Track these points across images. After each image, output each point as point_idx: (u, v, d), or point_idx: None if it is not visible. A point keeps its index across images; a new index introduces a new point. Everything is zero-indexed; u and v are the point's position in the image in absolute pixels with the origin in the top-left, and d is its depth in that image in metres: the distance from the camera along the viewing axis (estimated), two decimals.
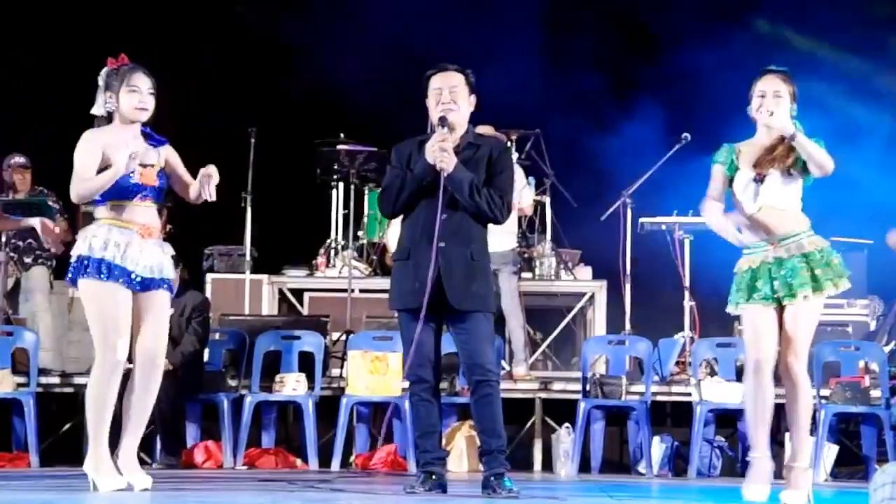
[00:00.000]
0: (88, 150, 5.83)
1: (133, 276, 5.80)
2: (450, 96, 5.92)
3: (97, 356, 5.80)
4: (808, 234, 5.92)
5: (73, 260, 5.87)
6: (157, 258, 5.88)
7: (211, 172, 5.84)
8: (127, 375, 5.90)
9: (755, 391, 5.91)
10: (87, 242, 5.82)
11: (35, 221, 6.24)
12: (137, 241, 5.82)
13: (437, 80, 5.96)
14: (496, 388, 5.91)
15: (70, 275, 5.89)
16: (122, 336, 5.78)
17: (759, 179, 5.86)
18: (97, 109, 5.92)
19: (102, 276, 5.76)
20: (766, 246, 5.89)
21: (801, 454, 5.92)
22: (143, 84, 5.87)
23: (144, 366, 5.88)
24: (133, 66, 5.90)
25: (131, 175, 5.81)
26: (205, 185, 5.84)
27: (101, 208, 5.86)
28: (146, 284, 5.84)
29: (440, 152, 5.80)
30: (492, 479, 5.86)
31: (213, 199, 5.86)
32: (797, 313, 5.86)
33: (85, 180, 5.80)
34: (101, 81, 5.92)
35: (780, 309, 5.89)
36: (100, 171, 5.80)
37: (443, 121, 5.88)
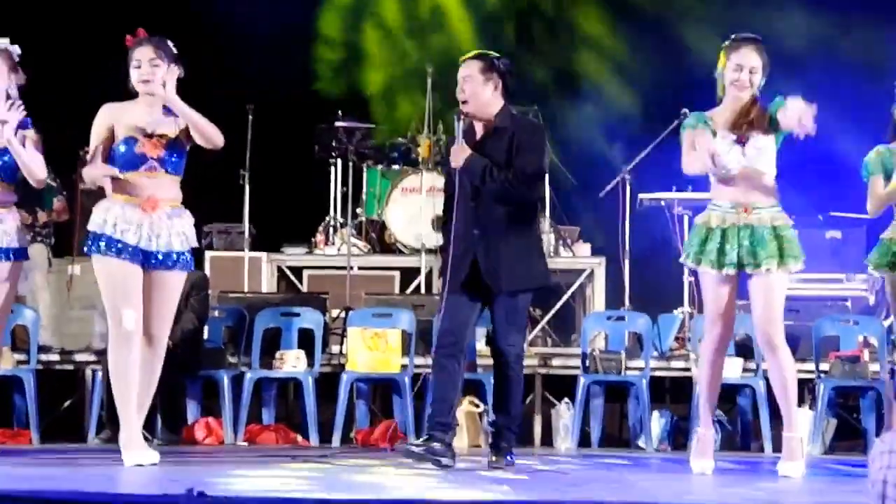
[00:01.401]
0: (95, 126, 5.95)
1: (133, 250, 5.82)
2: (463, 86, 6.11)
3: (110, 330, 5.91)
4: (779, 208, 5.96)
5: (89, 234, 5.97)
6: (164, 231, 5.87)
7: None
8: None
9: (714, 365, 5.94)
10: (99, 217, 5.90)
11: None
12: (139, 215, 5.84)
13: (460, 71, 6.17)
14: (512, 369, 6.05)
15: (89, 249, 5.98)
16: (129, 307, 5.83)
17: (742, 142, 5.87)
18: (130, 85, 6.04)
19: (110, 251, 5.83)
20: (738, 209, 5.89)
21: (793, 424, 5.95)
22: (144, 56, 5.92)
23: (146, 346, 5.92)
24: (139, 40, 5.95)
25: (135, 144, 5.84)
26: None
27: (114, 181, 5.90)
28: (153, 261, 5.86)
29: (452, 154, 6.08)
30: (492, 454, 6.01)
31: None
32: (770, 283, 5.87)
33: (87, 164, 5.93)
34: None
35: (741, 276, 5.90)
36: (107, 146, 5.89)
37: (458, 117, 6.11)
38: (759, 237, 5.86)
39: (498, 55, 6.20)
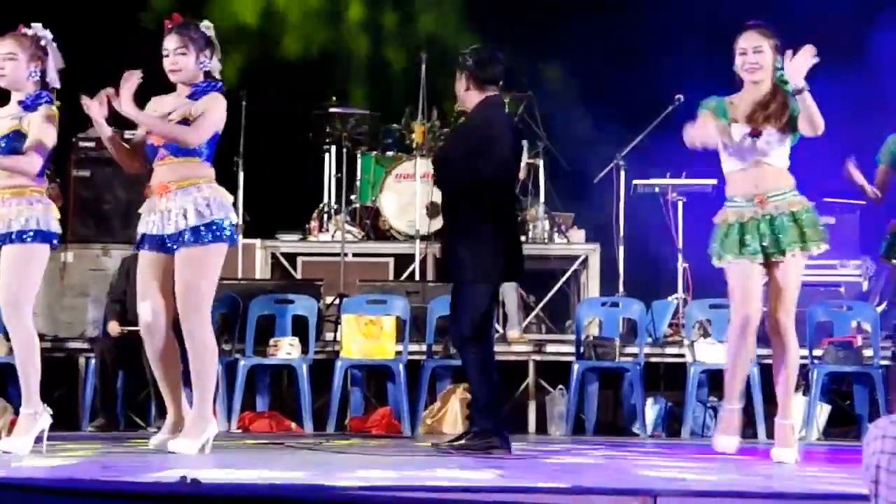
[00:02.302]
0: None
1: (146, 237, 5.89)
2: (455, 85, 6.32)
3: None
4: (794, 192, 5.95)
5: None
6: (174, 211, 5.86)
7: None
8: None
9: (740, 347, 5.95)
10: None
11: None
12: (154, 201, 5.91)
13: None
14: (470, 352, 6.16)
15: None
16: (143, 300, 5.89)
17: (756, 135, 5.87)
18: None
19: (137, 247, 6.00)
20: (754, 201, 5.90)
21: (790, 410, 5.98)
22: (170, 45, 5.95)
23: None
24: (170, 28, 5.97)
25: (150, 138, 5.92)
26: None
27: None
28: (168, 245, 5.86)
29: None
30: (464, 436, 6.18)
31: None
32: (787, 270, 5.89)
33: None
34: None
35: (766, 265, 5.91)
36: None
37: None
38: (780, 225, 5.87)
39: (466, 49, 6.28)
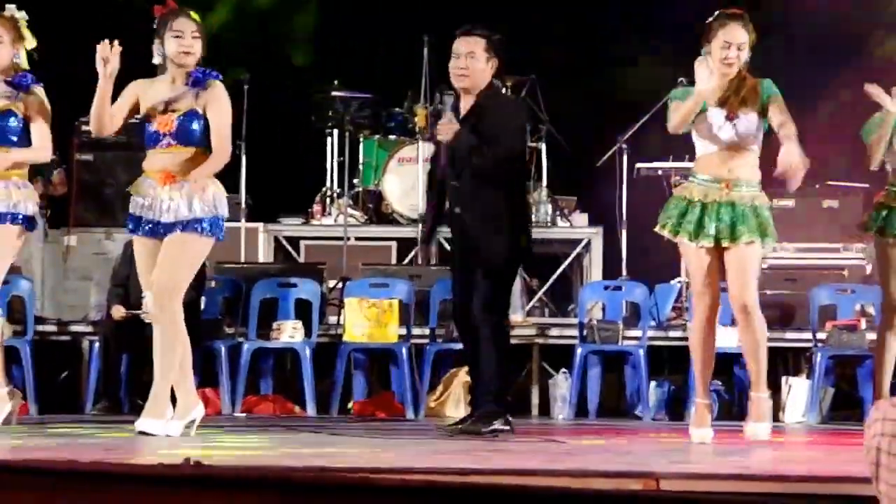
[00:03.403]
0: (121, 97, 5.95)
1: (145, 222, 5.87)
2: (465, 62, 6.09)
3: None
4: (759, 188, 5.98)
5: None
6: (175, 201, 5.85)
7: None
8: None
9: (707, 336, 5.97)
10: (132, 198, 5.97)
11: None
12: (157, 188, 5.86)
13: (459, 44, 6.20)
14: (490, 337, 6.13)
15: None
16: (148, 289, 5.90)
17: (732, 119, 5.87)
18: (156, 59, 5.99)
19: (132, 229, 5.95)
20: (721, 184, 5.90)
21: (761, 384, 6.00)
22: (186, 28, 5.90)
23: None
24: (177, 10, 5.95)
25: (152, 122, 5.86)
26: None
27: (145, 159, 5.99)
28: (161, 232, 5.86)
29: (440, 128, 6.13)
30: (468, 419, 6.14)
31: None
32: (744, 253, 5.91)
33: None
34: (156, 28, 5.98)
35: (717, 249, 5.91)
36: (129, 111, 5.94)
37: (443, 91, 6.23)
38: (740, 213, 5.88)
39: (499, 35, 6.23)
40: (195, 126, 5.89)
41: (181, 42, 5.89)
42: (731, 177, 5.90)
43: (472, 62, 6.11)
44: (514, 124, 6.28)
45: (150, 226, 5.89)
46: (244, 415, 8.26)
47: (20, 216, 6.00)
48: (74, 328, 8.92)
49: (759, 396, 6.00)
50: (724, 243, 5.89)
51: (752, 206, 5.89)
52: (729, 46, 5.89)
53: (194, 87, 5.91)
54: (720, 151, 5.91)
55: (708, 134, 5.92)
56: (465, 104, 6.20)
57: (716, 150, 5.93)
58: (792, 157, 5.70)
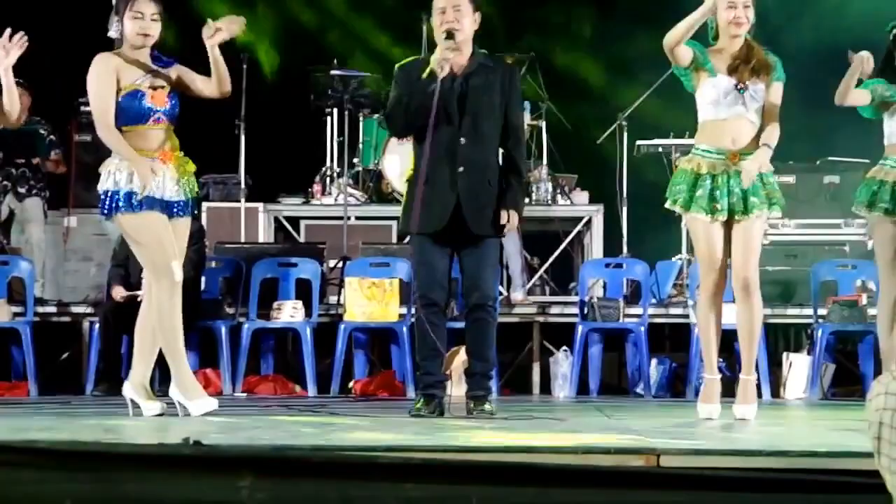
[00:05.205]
0: (101, 76, 5.82)
1: (163, 200, 5.84)
2: (453, 14, 5.92)
3: (153, 285, 5.87)
4: None
5: (101, 196, 5.87)
6: (176, 178, 5.87)
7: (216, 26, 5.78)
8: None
9: (713, 312, 5.95)
10: (112, 177, 5.84)
11: None
12: (160, 167, 5.84)
13: (442, 0, 5.96)
14: (492, 315, 6.01)
15: (104, 211, 5.89)
16: (173, 258, 5.82)
17: (742, 89, 5.83)
18: (112, 33, 5.92)
19: (136, 207, 5.79)
20: (726, 154, 5.87)
21: (752, 367, 5.98)
22: (146, 9, 5.85)
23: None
24: None
25: (143, 97, 5.79)
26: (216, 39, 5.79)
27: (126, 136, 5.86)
28: (175, 210, 5.86)
29: (443, 60, 5.85)
30: (470, 401, 6.00)
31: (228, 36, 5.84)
32: (752, 228, 5.88)
33: (111, 133, 5.80)
34: (114, 4, 5.91)
35: (727, 223, 5.89)
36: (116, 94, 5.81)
37: (449, 34, 5.90)
38: (751, 184, 5.84)
39: None
40: (176, 106, 5.93)
41: (141, 24, 5.85)
42: (737, 147, 5.87)
43: (459, 14, 5.92)
44: (519, 97, 6.16)
45: (162, 203, 5.86)
46: (245, 395, 8.26)
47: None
48: (75, 309, 8.91)
49: (748, 379, 5.99)
50: (737, 216, 5.87)
51: (759, 175, 5.85)
52: (735, 6, 5.84)
53: (165, 66, 5.92)
54: (726, 119, 5.88)
55: (714, 100, 5.87)
56: (457, 60, 5.95)
57: (720, 119, 5.88)
58: (754, 165, 5.72)
